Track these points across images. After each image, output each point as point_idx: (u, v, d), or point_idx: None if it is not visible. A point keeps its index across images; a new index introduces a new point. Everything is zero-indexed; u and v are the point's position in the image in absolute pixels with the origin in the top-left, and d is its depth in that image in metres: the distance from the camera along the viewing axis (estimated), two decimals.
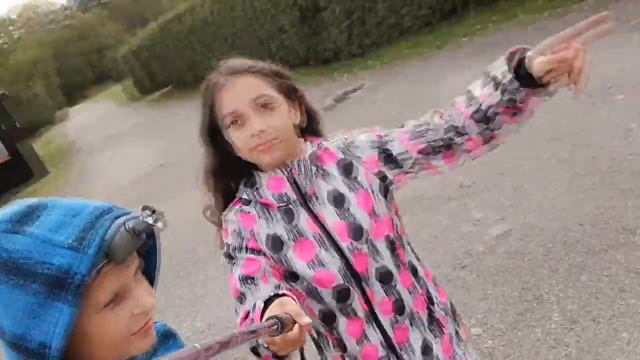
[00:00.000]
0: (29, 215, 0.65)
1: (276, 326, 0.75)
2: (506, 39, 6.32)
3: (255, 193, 1.09)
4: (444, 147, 1.07)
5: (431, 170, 1.12)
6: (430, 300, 1.15)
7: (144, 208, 0.66)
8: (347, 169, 1.10)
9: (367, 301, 1.09)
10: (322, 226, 1.07)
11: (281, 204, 1.08)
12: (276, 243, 1.07)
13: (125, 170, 9.42)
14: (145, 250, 0.72)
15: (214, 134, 1.09)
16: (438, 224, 3.36)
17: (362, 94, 7.53)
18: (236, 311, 1.03)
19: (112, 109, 23.30)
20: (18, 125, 16.15)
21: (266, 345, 0.84)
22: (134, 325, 0.68)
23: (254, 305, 0.92)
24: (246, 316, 0.98)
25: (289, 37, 10.58)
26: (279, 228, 1.07)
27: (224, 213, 1.11)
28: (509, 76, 0.95)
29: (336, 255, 1.06)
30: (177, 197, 5.74)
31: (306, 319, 0.80)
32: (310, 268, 1.06)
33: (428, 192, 3.74)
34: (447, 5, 8.24)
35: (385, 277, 1.10)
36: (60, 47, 44.91)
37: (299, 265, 1.06)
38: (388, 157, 1.11)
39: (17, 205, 0.66)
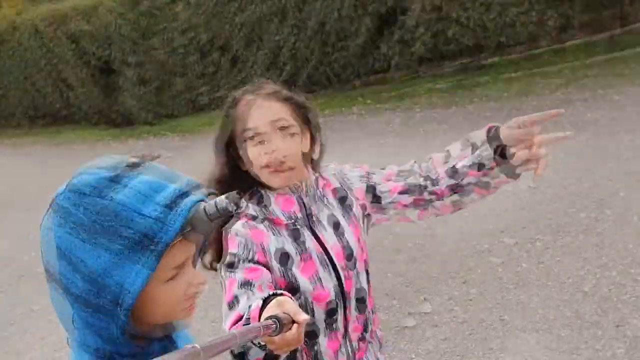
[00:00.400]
0: (119, 179, 0.68)
1: (275, 326, 0.76)
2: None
3: (263, 210, 1.16)
4: (418, 196, 1.20)
5: (405, 220, 1.29)
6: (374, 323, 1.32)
7: (227, 196, 0.69)
8: (342, 199, 1.24)
9: (346, 318, 1.20)
10: (323, 246, 1.17)
11: (289, 222, 1.16)
12: (284, 258, 1.15)
13: None
14: None
15: (227, 146, 1.18)
16: None
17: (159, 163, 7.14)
18: (224, 318, 1.06)
19: None
20: None
21: (263, 344, 0.86)
22: (187, 296, 0.73)
23: (249, 307, 0.96)
24: (237, 320, 1.01)
25: (84, 93, 9.96)
26: (287, 244, 1.15)
27: (228, 224, 1.02)
28: (486, 144, 1.11)
29: (332, 274, 1.17)
30: None
31: (304, 316, 0.82)
32: (311, 284, 1.15)
33: None
34: None
35: (361, 298, 1.23)
36: None
37: (302, 280, 1.15)
38: (373, 193, 1.25)
39: (109, 162, 0.70)
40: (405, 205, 1.23)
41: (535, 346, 2.63)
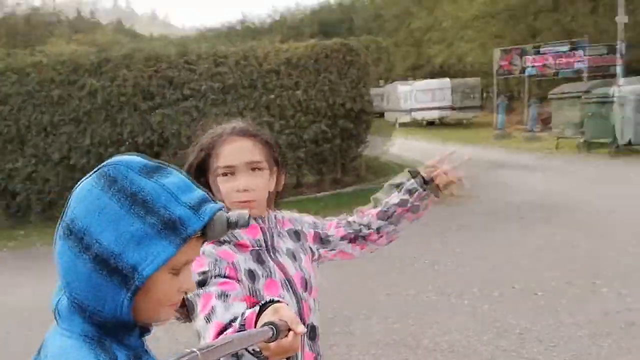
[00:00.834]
0: (159, 170, 0.74)
1: (272, 332, 0.77)
2: None
3: (230, 236, 1.22)
4: (354, 236, 1.41)
5: (344, 255, 1.44)
6: None
7: (243, 212, 0.78)
8: (297, 235, 1.35)
9: (302, 349, 1.22)
10: (285, 273, 1.25)
11: (255, 247, 1.24)
12: (252, 276, 1.21)
13: None
14: None
15: (197, 173, 1.23)
16: None
17: None
18: (199, 334, 1.08)
19: None
20: None
21: (258, 350, 0.86)
22: (176, 297, 0.76)
23: (242, 313, 0.99)
24: (220, 330, 1.02)
25: None
26: (253, 265, 1.22)
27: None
28: (412, 180, 1.39)
29: (294, 299, 1.24)
30: None
31: (301, 327, 0.82)
32: None
33: None
34: None
35: (312, 333, 1.28)
36: None
37: (267, 298, 1.18)
38: (319, 237, 1.40)
39: (146, 159, 0.75)
40: (348, 243, 1.41)
41: None
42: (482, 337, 3.61)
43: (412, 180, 1.39)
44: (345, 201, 7.63)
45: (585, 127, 11.68)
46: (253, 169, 1.23)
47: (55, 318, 0.75)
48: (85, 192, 0.72)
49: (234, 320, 1.00)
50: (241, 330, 0.92)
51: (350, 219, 1.45)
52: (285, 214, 1.38)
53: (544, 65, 17.26)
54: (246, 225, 0.78)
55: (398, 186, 1.41)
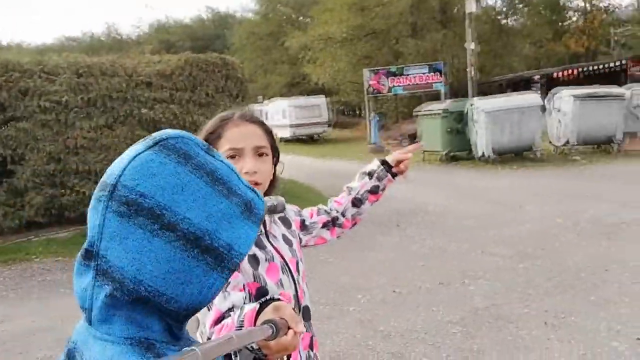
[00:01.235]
0: (213, 150, 0.70)
1: (272, 331, 0.75)
2: None
3: None
4: (331, 223, 1.55)
5: (321, 240, 1.55)
6: None
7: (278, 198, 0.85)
8: (287, 222, 1.43)
9: None
10: (282, 257, 1.30)
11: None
12: (254, 261, 1.23)
13: None
14: None
15: None
16: None
17: None
18: (198, 321, 1.10)
19: None
20: None
21: (257, 348, 0.84)
22: None
23: (234, 307, 0.99)
24: (218, 319, 1.03)
25: None
26: (255, 250, 1.25)
27: None
28: (381, 166, 1.57)
29: (292, 282, 1.29)
30: None
31: (301, 326, 0.82)
32: (277, 287, 1.24)
33: None
34: None
35: (306, 314, 1.34)
36: None
37: (270, 283, 1.23)
38: (304, 224, 1.51)
39: (196, 137, 0.70)
40: (326, 230, 1.55)
41: None
42: (368, 342, 3.69)
43: (382, 167, 1.57)
44: None
45: (444, 141, 12.82)
46: (260, 154, 1.27)
47: (89, 318, 0.65)
48: (155, 165, 0.63)
49: (231, 309, 1.02)
50: (240, 328, 0.91)
51: (327, 207, 1.57)
52: None
53: (409, 85, 18.69)
54: (283, 209, 0.89)
55: (369, 174, 1.57)
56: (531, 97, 11.99)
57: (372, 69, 19.30)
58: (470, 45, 16.08)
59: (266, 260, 1.25)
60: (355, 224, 1.61)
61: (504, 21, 28.29)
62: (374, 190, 1.57)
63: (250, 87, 37.84)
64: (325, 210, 1.56)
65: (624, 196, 7.58)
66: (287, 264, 1.30)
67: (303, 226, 1.50)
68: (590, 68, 23.34)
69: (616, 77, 23.63)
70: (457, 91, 22.22)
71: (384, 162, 1.59)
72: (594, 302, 4.06)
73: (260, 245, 1.27)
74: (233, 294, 1.09)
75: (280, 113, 25.46)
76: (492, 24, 24.88)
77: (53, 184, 7.62)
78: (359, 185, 1.57)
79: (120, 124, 7.87)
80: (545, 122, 12.43)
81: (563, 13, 29.81)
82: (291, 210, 1.48)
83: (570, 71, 23.87)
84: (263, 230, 1.31)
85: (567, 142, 11.96)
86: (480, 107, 11.68)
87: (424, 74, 18.65)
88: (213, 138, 1.26)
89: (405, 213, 7.47)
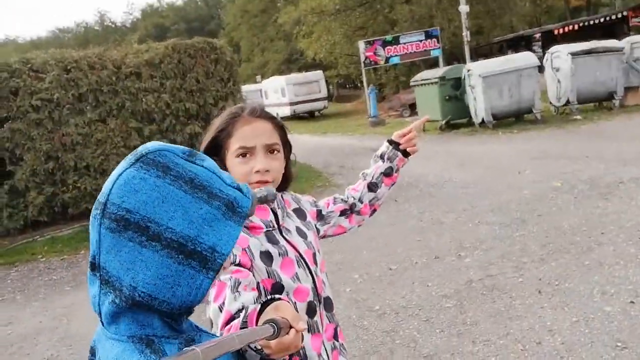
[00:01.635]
0: (194, 153, 0.75)
1: (273, 330, 0.76)
2: None
3: None
4: (349, 211, 1.53)
5: (341, 229, 1.53)
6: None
7: (268, 188, 0.88)
8: (301, 214, 1.40)
9: (321, 321, 1.29)
10: (297, 250, 1.29)
11: (268, 228, 1.26)
12: (267, 257, 1.22)
13: None
14: None
15: (209, 154, 1.20)
16: None
17: None
18: (211, 322, 1.09)
19: None
20: None
21: (259, 348, 0.85)
22: None
23: (244, 308, 0.99)
24: (228, 320, 1.02)
25: None
26: (268, 246, 1.24)
27: None
28: (390, 146, 1.54)
29: (309, 275, 1.28)
30: None
31: (302, 324, 0.82)
32: (293, 281, 1.24)
33: None
34: None
35: (328, 305, 1.34)
36: None
37: (284, 278, 1.22)
38: (321, 215, 1.49)
39: (177, 145, 0.75)
40: (345, 219, 1.52)
41: None
42: (363, 322, 3.74)
43: (391, 147, 1.54)
44: None
45: (442, 109, 12.68)
46: (271, 151, 1.26)
47: (101, 321, 0.74)
48: (136, 181, 0.69)
49: (241, 310, 1.01)
50: (243, 328, 0.91)
51: (344, 196, 1.56)
52: (286, 195, 1.42)
53: (405, 54, 18.40)
54: (274, 199, 0.87)
55: (381, 156, 1.54)
56: (527, 57, 11.76)
57: (367, 40, 19.00)
58: (464, 8, 15.73)
59: (280, 255, 1.24)
60: (374, 210, 1.58)
61: None
62: (388, 173, 1.54)
63: (248, 67, 37.61)
64: (342, 199, 1.54)
65: (623, 154, 7.50)
66: (302, 257, 1.28)
67: (320, 216, 1.48)
68: (591, 22, 22.82)
69: (618, 28, 23.11)
70: (455, 57, 21.87)
71: (392, 142, 1.55)
72: (589, 267, 4.06)
73: (273, 241, 1.26)
74: (244, 294, 1.08)
75: (279, 91, 25.28)
76: None
77: (53, 182, 7.69)
78: (373, 169, 1.55)
79: (113, 117, 7.87)
80: (545, 82, 12.23)
81: None
82: (306, 201, 1.47)
83: (570, 27, 23.36)
84: (276, 225, 1.29)
85: (568, 101, 11.78)
86: (476, 72, 11.50)
87: (420, 41, 18.33)
88: (223, 136, 1.25)
89: (403, 186, 7.45)
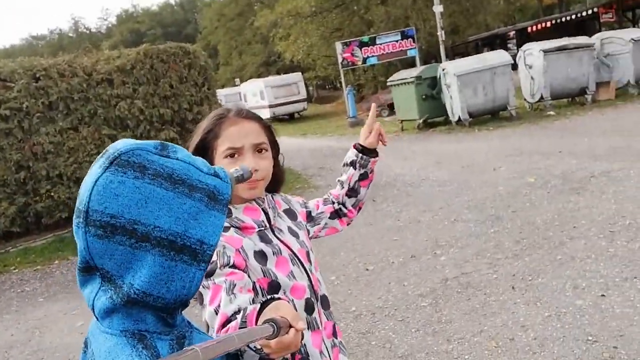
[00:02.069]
0: (166, 146, 0.74)
1: (272, 330, 0.76)
2: None
3: (232, 221, 1.24)
4: (338, 214, 1.55)
5: (333, 230, 1.55)
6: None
7: (242, 166, 0.92)
8: (292, 215, 1.41)
9: (320, 318, 1.30)
10: (290, 249, 1.29)
11: (260, 228, 1.27)
12: (261, 257, 1.22)
13: None
14: None
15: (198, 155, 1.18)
16: None
17: None
18: (208, 325, 1.08)
19: None
20: None
21: (259, 347, 0.84)
22: None
23: (240, 310, 0.99)
24: (224, 322, 1.02)
25: None
26: (261, 245, 1.24)
27: None
28: (359, 155, 1.52)
29: (304, 272, 1.28)
30: None
31: (302, 323, 0.82)
32: (289, 279, 1.24)
33: None
34: None
35: (325, 303, 1.35)
36: None
37: (280, 276, 1.23)
38: (310, 216, 1.49)
39: (146, 141, 0.74)
40: (336, 220, 1.54)
41: None
42: (340, 324, 3.71)
43: (361, 155, 1.52)
44: None
45: (420, 109, 12.77)
46: (259, 151, 1.26)
47: (95, 316, 0.75)
48: (115, 185, 0.68)
49: (237, 312, 1.00)
50: (243, 328, 0.90)
51: (330, 198, 1.58)
52: (277, 196, 1.42)
53: (382, 54, 18.49)
54: (249, 176, 0.90)
55: (352, 164, 1.54)
56: (500, 55, 11.91)
57: (344, 41, 19.05)
58: (438, 8, 15.87)
59: (274, 254, 1.24)
60: (359, 209, 1.60)
61: None
62: (363, 177, 1.54)
63: (226, 70, 37.39)
64: (331, 200, 1.56)
65: (594, 149, 7.63)
66: (296, 256, 1.28)
67: (309, 217, 1.49)
68: (564, 19, 23.26)
69: (589, 25, 23.60)
70: (433, 56, 22.06)
71: (361, 149, 1.53)
72: (561, 261, 4.11)
73: (266, 240, 1.26)
74: (239, 296, 1.07)
75: (258, 94, 25.21)
76: None
77: (25, 192, 7.53)
78: (347, 177, 1.55)
79: (85, 124, 7.74)
80: (519, 79, 12.41)
81: None
82: (296, 202, 1.47)
83: (543, 24, 23.77)
84: (268, 225, 1.29)
85: (541, 97, 11.96)
86: (451, 71, 11.61)
87: (396, 41, 18.44)
88: (210, 137, 1.25)
89: (381, 186, 7.47)
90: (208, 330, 1.09)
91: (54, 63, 7.65)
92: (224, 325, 1.02)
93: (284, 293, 1.22)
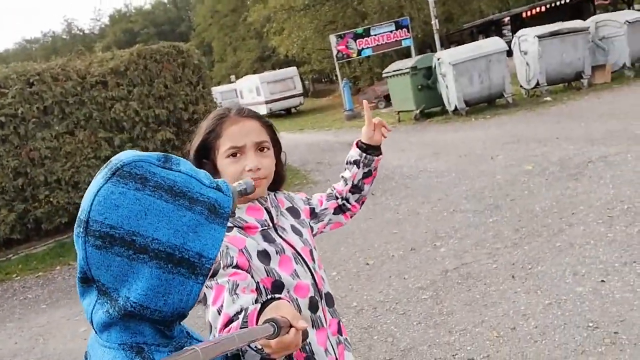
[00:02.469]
0: (169, 159, 0.74)
1: (273, 329, 0.76)
2: None
3: (235, 221, 1.24)
4: (342, 209, 1.55)
5: (338, 225, 1.57)
6: None
7: (247, 180, 0.91)
8: (295, 213, 1.40)
9: (324, 315, 1.31)
10: (293, 248, 1.29)
11: (263, 228, 1.27)
12: (264, 257, 1.22)
13: None
14: None
15: (200, 156, 1.26)
16: None
17: None
18: (210, 326, 1.08)
19: None
20: None
21: (260, 347, 0.84)
22: None
23: (242, 310, 1.00)
24: (227, 323, 1.02)
25: None
26: (264, 245, 1.24)
27: None
28: (363, 154, 1.51)
29: (307, 271, 1.28)
30: None
31: (302, 323, 0.82)
32: (292, 278, 1.24)
33: None
34: None
35: (329, 300, 1.36)
36: None
37: (284, 275, 1.23)
38: (314, 212, 1.50)
39: (149, 153, 0.75)
40: (340, 215, 1.55)
41: None
42: (342, 320, 3.73)
43: (364, 154, 1.51)
44: None
45: (416, 99, 12.73)
46: (261, 149, 1.26)
47: (94, 329, 0.75)
48: (116, 196, 0.68)
49: (239, 312, 1.01)
50: (244, 328, 0.90)
51: (334, 193, 1.58)
52: (279, 194, 1.42)
53: (377, 45, 18.42)
54: (253, 190, 0.89)
55: (355, 162, 1.53)
56: (495, 42, 11.86)
57: (338, 33, 18.96)
58: None
59: (277, 253, 1.24)
60: (363, 203, 1.62)
61: None
62: (367, 175, 1.55)
63: (222, 67, 37.21)
64: (335, 195, 1.57)
65: (591, 134, 7.62)
66: (299, 254, 1.29)
67: (313, 214, 1.49)
68: (558, 3, 23.14)
69: (584, 8, 23.49)
70: (428, 45, 21.97)
71: (364, 148, 1.52)
72: (560, 248, 4.12)
73: (269, 239, 1.26)
74: (242, 297, 1.07)
75: (254, 90, 25.13)
76: None
77: (24, 199, 7.53)
78: (351, 175, 1.54)
79: (81, 128, 7.72)
80: (514, 65, 12.36)
81: None
82: (299, 199, 1.47)
83: (538, 9, 23.65)
84: (271, 224, 1.29)
85: (537, 83, 11.92)
86: (446, 60, 11.56)
87: (390, 32, 18.35)
88: (212, 137, 1.25)
89: (380, 179, 7.46)
90: (211, 331, 1.09)
91: (47, 67, 7.62)
92: (226, 325, 1.02)
93: (288, 292, 1.23)
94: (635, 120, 7.78)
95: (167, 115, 8.29)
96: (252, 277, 1.18)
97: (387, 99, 17.62)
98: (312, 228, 1.46)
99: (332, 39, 18.36)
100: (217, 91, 19.85)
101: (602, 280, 3.49)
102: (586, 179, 5.64)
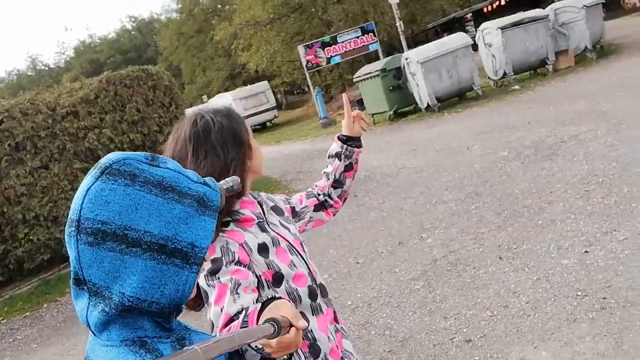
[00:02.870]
0: (155, 157, 0.76)
1: (273, 329, 0.76)
2: None
3: (235, 214, 1.27)
4: (323, 205, 1.58)
5: (320, 222, 1.59)
6: None
7: (233, 178, 0.91)
8: (278, 211, 1.44)
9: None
10: (287, 240, 1.32)
11: (259, 220, 1.30)
12: (263, 249, 1.24)
13: None
14: None
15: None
16: None
17: None
18: (212, 324, 1.08)
19: None
20: None
21: (260, 347, 0.85)
22: None
23: (243, 309, 1.00)
24: (227, 322, 1.03)
25: None
26: (262, 236, 1.27)
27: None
28: (344, 146, 1.55)
29: (302, 261, 1.32)
30: None
31: (302, 322, 0.82)
32: (290, 268, 1.26)
33: None
34: None
35: (323, 290, 1.36)
36: None
37: (283, 266, 1.25)
38: (295, 211, 1.53)
39: (136, 152, 0.76)
40: (321, 212, 1.57)
41: None
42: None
43: (345, 146, 1.55)
44: None
45: (388, 100, 12.89)
46: None
47: (91, 331, 0.75)
48: (106, 193, 0.70)
49: (240, 312, 1.02)
50: (244, 327, 0.92)
51: (315, 191, 1.61)
52: (261, 193, 1.46)
53: (345, 52, 18.62)
54: (239, 188, 0.89)
55: (337, 155, 1.56)
56: (460, 38, 12.10)
57: (306, 44, 19.11)
58: (394, 0, 16.06)
59: (273, 244, 1.27)
60: (345, 199, 1.64)
61: None
62: (348, 168, 1.58)
63: (192, 88, 37.01)
64: (314, 194, 1.59)
65: (561, 115, 7.82)
66: (292, 246, 1.32)
67: (294, 213, 1.53)
68: None
69: None
70: (395, 47, 22.27)
71: (345, 140, 1.56)
72: (542, 226, 4.21)
73: (265, 231, 1.30)
74: (243, 296, 1.08)
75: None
76: None
77: (3, 239, 7.37)
78: (332, 169, 1.58)
79: (55, 161, 7.62)
80: (480, 59, 12.62)
81: None
82: (280, 200, 1.51)
83: (497, 3, 24.22)
84: (264, 218, 1.33)
85: (505, 74, 12.18)
86: (414, 59, 11.75)
87: (357, 37, 18.57)
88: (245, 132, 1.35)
89: (361, 180, 7.53)
90: (212, 329, 1.10)
91: (15, 103, 7.52)
92: (226, 324, 1.03)
93: (287, 282, 1.25)
94: (601, 98, 8.01)
95: (142, 139, 8.24)
96: (254, 271, 1.20)
97: (360, 103, 17.77)
98: (295, 225, 1.50)
99: (301, 49, 18.50)
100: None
101: (586, 251, 3.57)
102: (560, 158, 5.78)
